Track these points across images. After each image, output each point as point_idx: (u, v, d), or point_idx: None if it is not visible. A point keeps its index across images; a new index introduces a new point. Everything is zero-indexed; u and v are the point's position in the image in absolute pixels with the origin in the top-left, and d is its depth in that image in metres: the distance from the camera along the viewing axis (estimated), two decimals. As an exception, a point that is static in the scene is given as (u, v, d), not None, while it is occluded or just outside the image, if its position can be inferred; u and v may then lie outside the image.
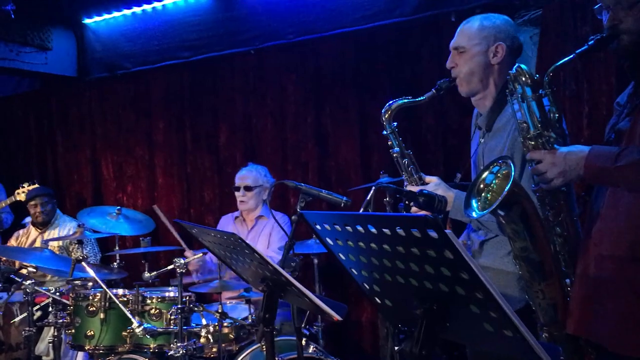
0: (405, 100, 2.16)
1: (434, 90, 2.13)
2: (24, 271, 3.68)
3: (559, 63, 1.67)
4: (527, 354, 1.18)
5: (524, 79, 1.67)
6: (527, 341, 1.15)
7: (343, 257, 1.46)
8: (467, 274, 1.13)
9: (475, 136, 2.23)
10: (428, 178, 2.13)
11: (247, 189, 3.82)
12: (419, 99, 2.14)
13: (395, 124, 2.17)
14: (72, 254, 4.34)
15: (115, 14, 5.24)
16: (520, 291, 1.91)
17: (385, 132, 2.18)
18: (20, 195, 4.62)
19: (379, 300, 1.49)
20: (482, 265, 2.03)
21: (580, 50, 1.66)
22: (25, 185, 4.61)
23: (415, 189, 2.04)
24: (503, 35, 2.06)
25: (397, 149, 2.16)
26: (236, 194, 3.87)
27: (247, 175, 3.85)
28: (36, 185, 4.58)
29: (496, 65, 2.06)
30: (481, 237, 2.08)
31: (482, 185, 1.68)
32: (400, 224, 1.17)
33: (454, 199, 1.99)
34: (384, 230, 1.22)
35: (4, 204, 4.75)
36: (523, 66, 1.69)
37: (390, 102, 2.16)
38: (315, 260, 3.51)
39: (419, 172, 2.14)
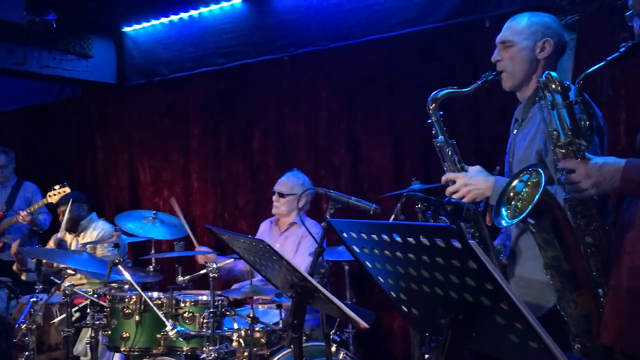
0: (452, 90, 2.19)
1: (479, 82, 2.17)
2: (63, 273, 3.77)
3: (589, 70, 1.65)
4: (554, 366, 1.17)
5: (554, 86, 1.66)
6: (552, 353, 1.14)
7: (370, 265, 1.48)
8: (491, 285, 1.13)
9: (511, 128, 2.26)
10: (470, 168, 2.15)
11: (280, 195, 3.85)
12: (465, 89, 2.18)
13: (441, 112, 2.19)
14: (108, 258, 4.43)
15: (154, 22, 5.37)
16: (551, 294, 1.89)
17: (430, 121, 2.20)
18: (52, 197, 4.73)
19: (405, 309, 1.49)
20: (518, 274, 2.02)
21: (611, 57, 1.65)
22: (57, 187, 4.71)
23: (455, 176, 2.06)
24: (551, 32, 2.09)
25: (441, 137, 2.19)
26: (273, 197, 3.92)
27: (284, 182, 3.88)
28: (67, 188, 4.66)
29: (542, 61, 2.08)
30: (512, 238, 2.06)
31: (512, 194, 1.68)
32: (424, 234, 1.18)
33: (495, 184, 2.00)
34: (408, 239, 1.22)
35: (37, 206, 4.87)
36: (553, 73, 1.68)
37: (437, 91, 2.20)
38: (346, 267, 3.52)
39: (461, 163, 2.17)
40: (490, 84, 2.18)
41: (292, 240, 3.83)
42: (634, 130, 3.15)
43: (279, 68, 4.79)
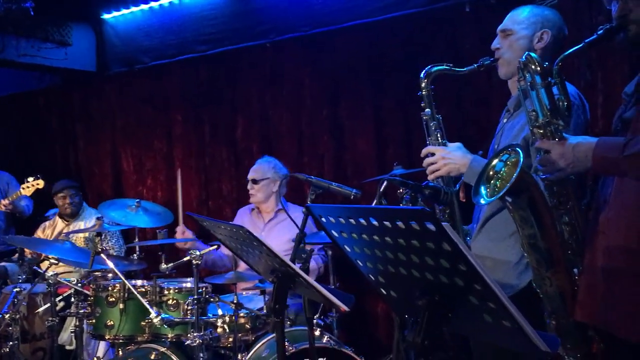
0: (446, 67, 2.25)
1: (475, 66, 2.22)
2: (46, 262, 3.77)
3: (568, 52, 1.68)
4: (527, 345, 1.20)
5: (533, 67, 1.68)
6: (525, 331, 1.17)
7: (349, 249, 1.50)
8: (465, 266, 1.16)
9: (501, 117, 2.29)
10: (451, 144, 2.20)
11: (254, 181, 3.87)
12: (460, 70, 2.23)
13: (433, 87, 2.23)
14: (97, 245, 4.43)
15: (133, 9, 5.30)
16: (517, 277, 1.95)
17: (420, 93, 2.23)
18: (26, 190, 4.70)
19: (384, 292, 1.52)
20: (479, 255, 2.06)
21: (589, 39, 1.67)
22: (31, 179, 4.69)
23: (435, 149, 2.12)
24: (550, 24, 2.13)
25: (428, 110, 2.24)
26: (248, 187, 3.93)
27: (256, 168, 3.90)
28: (40, 181, 4.66)
29: (539, 51, 2.11)
30: (484, 215, 2.11)
31: (491, 173, 1.71)
32: (399, 217, 1.20)
33: (471, 162, 2.06)
34: (384, 222, 1.24)
35: (12, 198, 4.83)
36: (533, 54, 1.70)
37: (431, 66, 2.25)
38: (330, 252, 3.54)
39: (444, 139, 2.22)
40: (485, 69, 2.21)
41: (280, 227, 3.84)
42: (611, 113, 3.19)
43: (261, 55, 4.77)
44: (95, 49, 5.58)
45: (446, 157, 2.10)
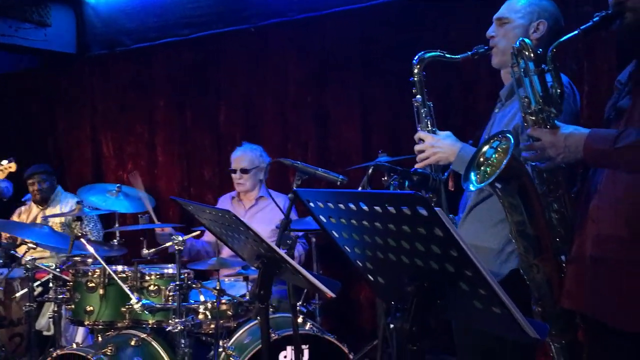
0: (440, 54, 2.21)
1: (469, 54, 2.19)
2: (24, 247, 3.70)
3: (563, 39, 1.66)
4: (516, 331, 1.20)
5: (527, 53, 1.66)
6: (514, 318, 1.16)
7: (336, 235, 1.47)
8: (456, 252, 1.14)
9: (495, 107, 2.28)
10: (440, 133, 2.18)
11: (244, 171, 3.82)
12: (454, 57, 2.20)
13: (424, 73, 2.21)
14: (74, 230, 4.37)
15: (115, -11, 5.20)
16: (498, 266, 1.95)
17: (412, 79, 2.21)
18: None
19: (372, 278, 1.50)
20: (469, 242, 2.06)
21: (585, 26, 1.65)
22: (4, 162, 4.57)
23: (425, 136, 2.12)
24: (547, 14, 2.10)
25: (419, 97, 2.22)
26: (233, 176, 3.88)
27: (243, 157, 3.84)
28: (13, 164, 4.55)
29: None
30: (469, 203, 2.11)
31: (482, 159, 1.69)
32: (390, 202, 1.17)
33: (460, 150, 2.05)
34: (375, 207, 1.22)
35: None
36: (527, 40, 1.68)
37: (424, 52, 2.21)
38: (314, 239, 3.53)
39: (434, 127, 2.20)
40: (477, 58, 2.19)
41: (262, 214, 3.82)
42: (597, 103, 3.22)
43: (246, 39, 4.71)
44: (75, 30, 5.46)
45: (435, 146, 2.09)
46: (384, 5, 4.03)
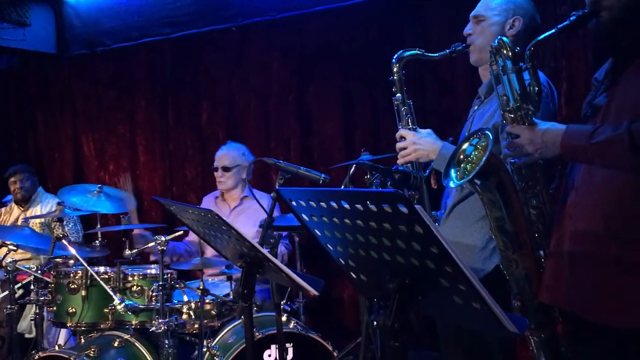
0: (419, 52, 2.23)
1: (447, 52, 2.21)
2: (4, 249, 3.65)
3: (540, 37, 1.68)
4: (495, 326, 1.22)
5: (505, 51, 1.68)
6: (494, 313, 1.18)
7: (319, 233, 1.48)
8: (436, 248, 1.16)
9: (472, 105, 2.30)
10: (422, 130, 2.20)
11: (225, 169, 3.81)
12: (432, 55, 2.22)
13: (404, 72, 2.23)
14: (54, 231, 4.33)
15: (95, -11, 5.16)
16: (482, 262, 1.98)
17: (392, 78, 2.23)
18: None
19: (354, 275, 1.51)
20: (452, 240, 2.08)
21: (561, 25, 1.67)
22: None
23: (406, 134, 2.13)
24: (522, 12, 2.12)
25: (399, 95, 2.23)
26: (215, 174, 3.87)
27: (224, 156, 3.84)
28: None
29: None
30: (451, 201, 2.13)
31: (461, 156, 1.72)
32: (371, 200, 1.19)
33: (441, 148, 2.07)
34: (356, 205, 1.23)
35: None
36: (505, 39, 1.71)
37: (403, 50, 2.23)
38: (297, 238, 3.54)
39: (415, 125, 2.22)
40: (455, 56, 2.21)
41: (247, 214, 3.81)
42: (574, 101, 3.27)
43: (227, 39, 4.70)
44: (54, 30, 5.40)
45: (417, 143, 2.11)
46: (365, 4, 4.05)
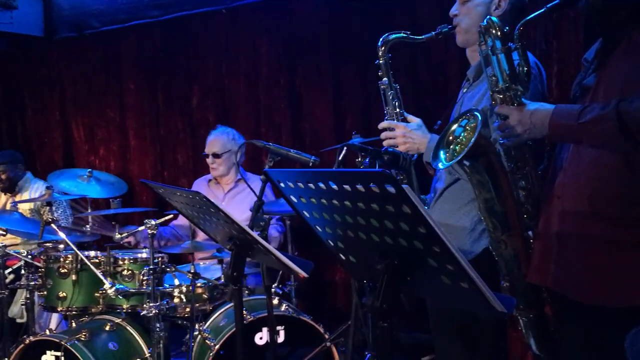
0: (404, 35, 2.21)
1: (433, 34, 2.19)
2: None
3: (529, 17, 1.67)
4: (483, 306, 1.22)
5: (494, 31, 1.67)
6: (482, 293, 1.18)
7: (308, 215, 1.48)
8: (424, 228, 1.15)
9: (462, 87, 2.28)
10: (410, 117, 2.19)
11: (216, 156, 3.79)
12: (418, 37, 2.20)
13: (390, 55, 2.21)
14: (43, 216, 4.30)
15: (82, -30, 5.08)
16: (471, 244, 1.98)
17: (377, 62, 2.21)
18: None
19: (343, 257, 1.51)
20: (441, 222, 2.08)
21: (551, 4, 1.66)
22: None
23: (396, 125, 2.11)
24: None
25: (385, 79, 2.22)
26: (207, 160, 3.85)
27: (214, 142, 3.81)
28: None
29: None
30: (442, 185, 2.13)
31: (450, 138, 1.71)
32: (359, 180, 1.18)
33: (429, 141, 2.06)
34: (344, 186, 1.23)
35: None
36: (494, 18, 1.69)
37: (388, 33, 2.21)
38: (288, 221, 3.53)
39: (402, 109, 2.21)
40: (443, 37, 2.19)
41: (241, 196, 3.80)
42: (565, 82, 3.26)
43: (217, 21, 4.65)
44: (42, 13, 5.33)
45: (407, 136, 2.09)
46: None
